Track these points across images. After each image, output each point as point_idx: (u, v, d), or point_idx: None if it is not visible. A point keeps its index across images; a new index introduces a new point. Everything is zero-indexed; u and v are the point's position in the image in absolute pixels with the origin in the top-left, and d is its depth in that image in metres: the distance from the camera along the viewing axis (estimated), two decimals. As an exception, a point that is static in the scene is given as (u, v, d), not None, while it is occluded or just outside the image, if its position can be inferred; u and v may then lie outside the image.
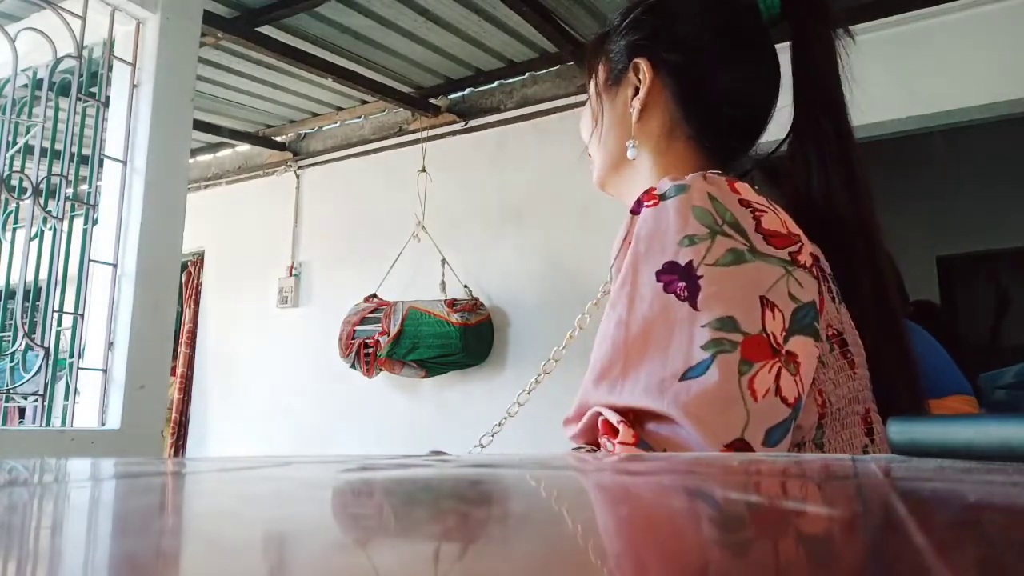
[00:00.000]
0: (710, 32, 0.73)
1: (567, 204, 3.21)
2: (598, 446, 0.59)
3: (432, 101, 3.60)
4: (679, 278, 0.56)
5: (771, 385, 0.54)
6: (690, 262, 0.56)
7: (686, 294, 0.56)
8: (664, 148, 0.73)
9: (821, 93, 0.72)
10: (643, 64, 0.73)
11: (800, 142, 0.73)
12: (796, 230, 0.62)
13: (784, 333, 0.55)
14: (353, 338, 3.42)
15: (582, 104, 0.83)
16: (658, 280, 0.57)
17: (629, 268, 0.59)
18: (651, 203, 0.61)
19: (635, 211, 0.62)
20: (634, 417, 0.56)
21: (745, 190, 0.62)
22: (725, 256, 0.56)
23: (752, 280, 0.56)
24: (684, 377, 0.54)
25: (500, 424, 0.90)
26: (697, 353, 0.54)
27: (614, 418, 0.56)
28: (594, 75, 0.78)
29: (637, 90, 0.73)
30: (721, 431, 0.52)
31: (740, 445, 0.52)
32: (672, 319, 0.56)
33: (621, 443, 0.55)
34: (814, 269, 0.61)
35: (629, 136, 0.74)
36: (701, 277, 0.56)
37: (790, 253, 0.59)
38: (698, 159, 0.72)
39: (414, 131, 3.69)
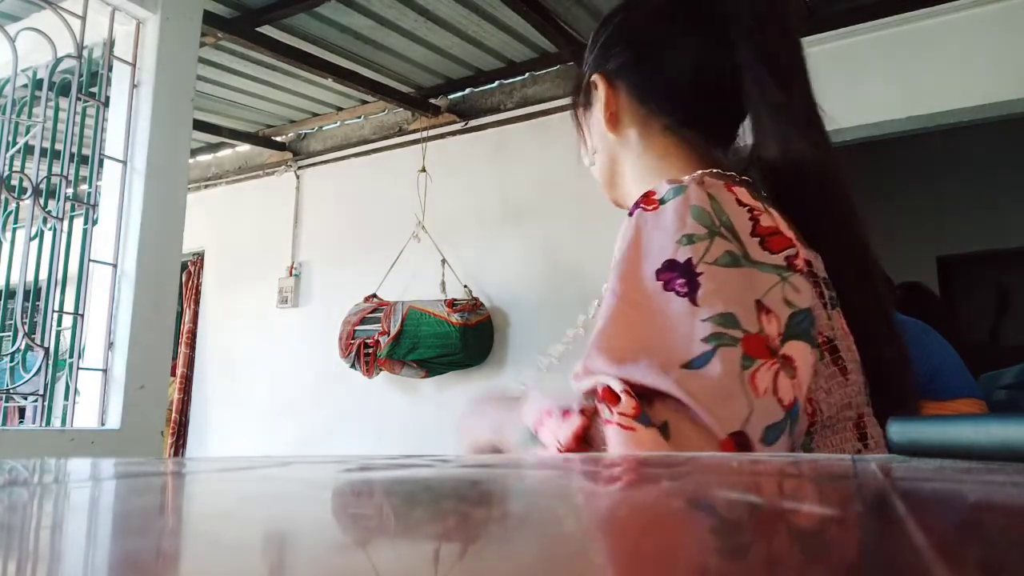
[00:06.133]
0: (648, 25, 0.75)
1: (567, 204, 3.21)
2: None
3: (432, 101, 3.60)
4: (679, 275, 0.56)
5: (770, 384, 0.53)
6: (689, 259, 0.56)
7: (686, 290, 0.56)
8: (644, 147, 0.74)
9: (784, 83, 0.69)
10: (597, 79, 0.76)
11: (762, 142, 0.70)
12: (790, 233, 0.61)
13: (780, 337, 0.55)
14: (353, 338, 3.42)
15: None
16: (658, 279, 0.57)
17: (632, 263, 0.59)
18: (651, 207, 0.61)
19: (633, 212, 0.63)
20: (638, 394, 0.55)
21: (742, 193, 0.62)
22: (723, 257, 0.56)
23: (748, 284, 0.56)
24: (687, 367, 0.53)
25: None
26: (699, 345, 0.54)
27: (618, 387, 0.54)
28: (577, 106, 0.82)
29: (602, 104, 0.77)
30: (726, 419, 0.52)
31: (741, 438, 0.52)
32: (673, 314, 0.55)
33: (621, 413, 0.53)
34: (809, 274, 0.61)
35: (611, 148, 0.77)
36: (701, 274, 0.56)
37: (786, 257, 0.58)
38: (679, 147, 0.73)
39: (414, 131, 3.69)
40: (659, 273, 0.57)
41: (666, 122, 0.73)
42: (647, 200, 0.62)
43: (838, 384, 0.64)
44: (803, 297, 0.58)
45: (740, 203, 0.60)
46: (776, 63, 0.68)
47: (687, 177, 0.62)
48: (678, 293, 0.56)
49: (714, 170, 0.68)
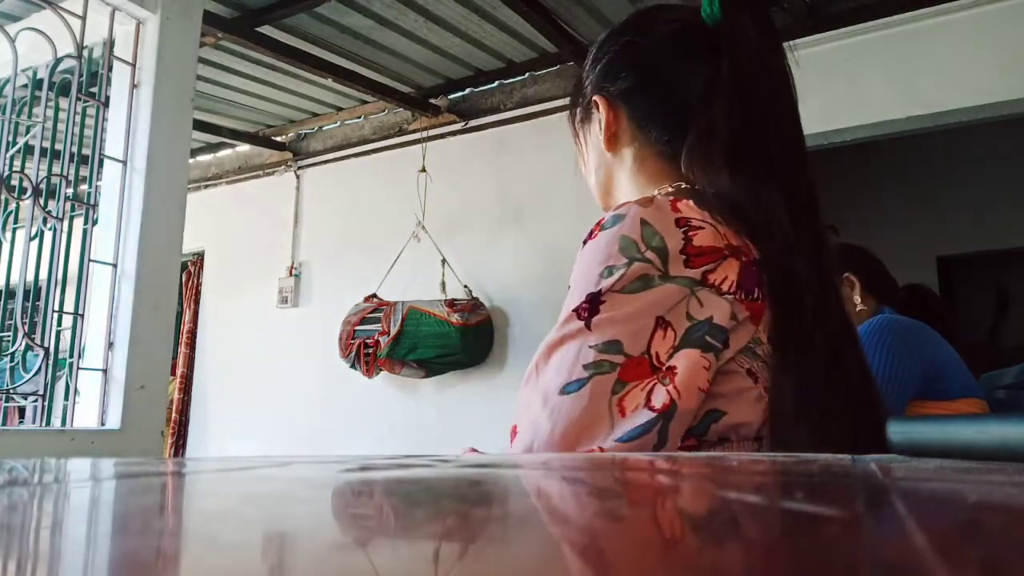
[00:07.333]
0: (659, 53, 0.75)
1: (567, 204, 3.21)
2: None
3: (432, 101, 3.60)
4: (586, 302, 0.60)
5: (640, 402, 0.57)
6: (600, 290, 0.60)
7: (586, 315, 0.60)
8: (638, 167, 0.76)
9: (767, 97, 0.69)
10: (599, 100, 0.77)
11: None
12: (733, 244, 0.62)
13: (671, 350, 0.58)
14: (353, 338, 3.42)
15: None
16: (573, 308, 0.61)
17: (572, 298, 0.63)
18: (597, 234, 0.64)
19: (586, 241, 0.65)
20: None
21: (687, 207, 0.63)
22: (634, 283, 0.59)
23: (654, 303, 0.59)
24: (562, 392, 0.58)
25: None
26: (578, 371, 0.58)
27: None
28: (574, 117, 0.83)
29: (601, 124, 0.78)
30: (574, 442, 0.57)
31: (592, 449, 0.57)
32: (570, 337, 0.60)
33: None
34: (727, 286, 0.60)
35: (608, 164, 0.78)
36: (604, 302, 0.60)
37: (703, 272, 0.60)
38: (670, 171, 0.73)
39: (414, 131, 3.69)
40: (580, 305, 0.61)
41: (663, 148, 0.74)
42: (596, 228, 0.65)
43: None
44: (705, 310, 0.60)
45: (679, 221, 0.61)
46: (745, 117, 0.68)
47: (632, 202, 0.64)
48: (579, 317, 0.60)
49: (682, 186, 0.69)
